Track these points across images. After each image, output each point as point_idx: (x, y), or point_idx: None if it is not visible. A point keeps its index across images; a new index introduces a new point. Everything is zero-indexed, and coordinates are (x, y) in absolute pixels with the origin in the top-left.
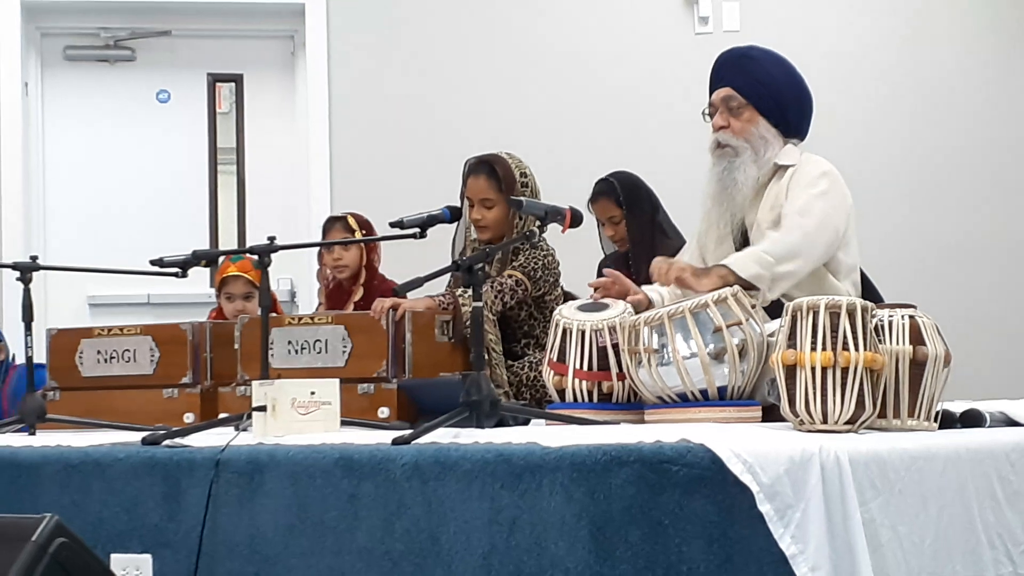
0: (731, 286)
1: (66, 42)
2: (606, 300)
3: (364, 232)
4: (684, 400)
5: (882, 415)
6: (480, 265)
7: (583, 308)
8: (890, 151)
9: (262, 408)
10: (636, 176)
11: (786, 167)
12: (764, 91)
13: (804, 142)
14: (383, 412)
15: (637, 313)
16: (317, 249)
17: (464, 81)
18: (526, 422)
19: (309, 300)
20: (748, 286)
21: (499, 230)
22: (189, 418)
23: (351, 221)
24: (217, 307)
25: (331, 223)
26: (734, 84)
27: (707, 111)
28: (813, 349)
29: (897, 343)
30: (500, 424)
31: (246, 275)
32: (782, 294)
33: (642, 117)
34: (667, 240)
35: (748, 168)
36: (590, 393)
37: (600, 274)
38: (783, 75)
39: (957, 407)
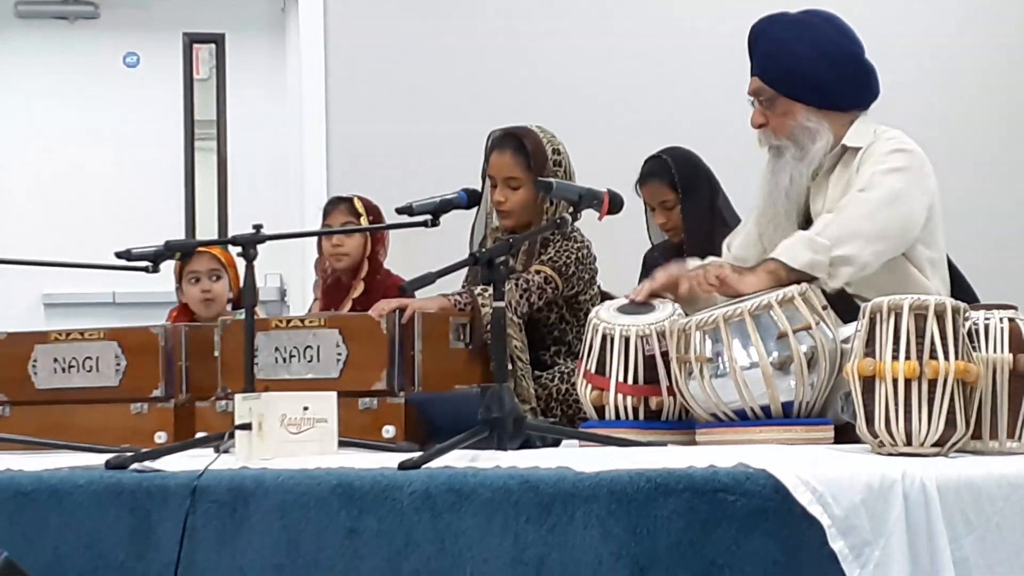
0: (783, 283)
1: None
2: (651, 299)
3: (371, 219)
4: (743, 418)
5: (976, 436)
6: (503, 258)
7: (624, 310)
8: (983, 127)
9: (246, 426)
10: (693, 153)
11: (856, 149)
12: (790, 76)
13: (874, 110)
14: (388, 431)
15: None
16: (321, 235)
17: (486, 42)
18: (556, 443)
19: (302, 300)
20: (804, 279)
21: (524, 216)
22: (161, 438)
23: (357, 204)
24: (178, 306)
25: (333, 205)
26: (760, 73)
27: (751, 100)
28: (895, 358)
29: (995, 351)
30: (526, 446)
31: (209, 250)
32: (856, 293)
33: (695, 83)
34: (726, 229)
35: (793, 168)
36: (635, 410)
37: (645, 266)
38: (809, 47)
39: None
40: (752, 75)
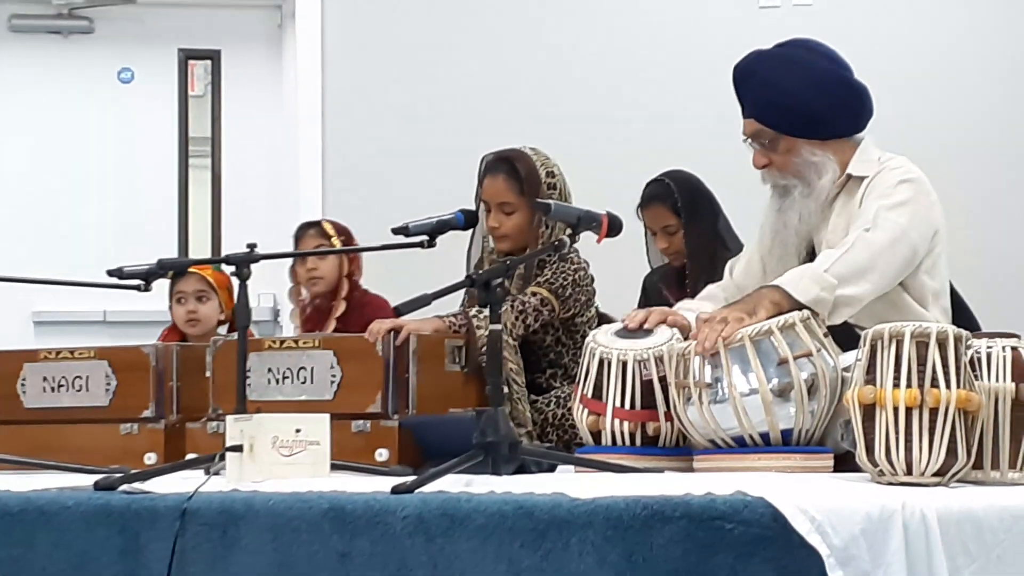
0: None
1: (11, 10)
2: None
3: (343, 239)
4: (741, 445)
5: (978, 466)
6: (499, 280)
7: (622, 334)
8: (987, 149)
9: (237, 448)
10: (694, 176)
11: (860, 178)
12: (788, 113)
13: (876, 134)
14: (381, 454)
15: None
16: (290, 263)
17: (484, 61)
18: (552, 468)
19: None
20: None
21: (520, 240)
22: (151, 459)
23: (327, 227)
24: (170, 324)
25: (303, 230)
26: (756, 114)
27: (745, 140)
28: (896, 386)
29: (997, 379)
30: (521, 471)
31: (200, 272)
32: (855, 323)
33: (695, 106)
34: (728, 253)
35: (802, 205)
36: (632, 435)
37: (644, 290)
38: (802, 82)
39: None
40: (746, 117)
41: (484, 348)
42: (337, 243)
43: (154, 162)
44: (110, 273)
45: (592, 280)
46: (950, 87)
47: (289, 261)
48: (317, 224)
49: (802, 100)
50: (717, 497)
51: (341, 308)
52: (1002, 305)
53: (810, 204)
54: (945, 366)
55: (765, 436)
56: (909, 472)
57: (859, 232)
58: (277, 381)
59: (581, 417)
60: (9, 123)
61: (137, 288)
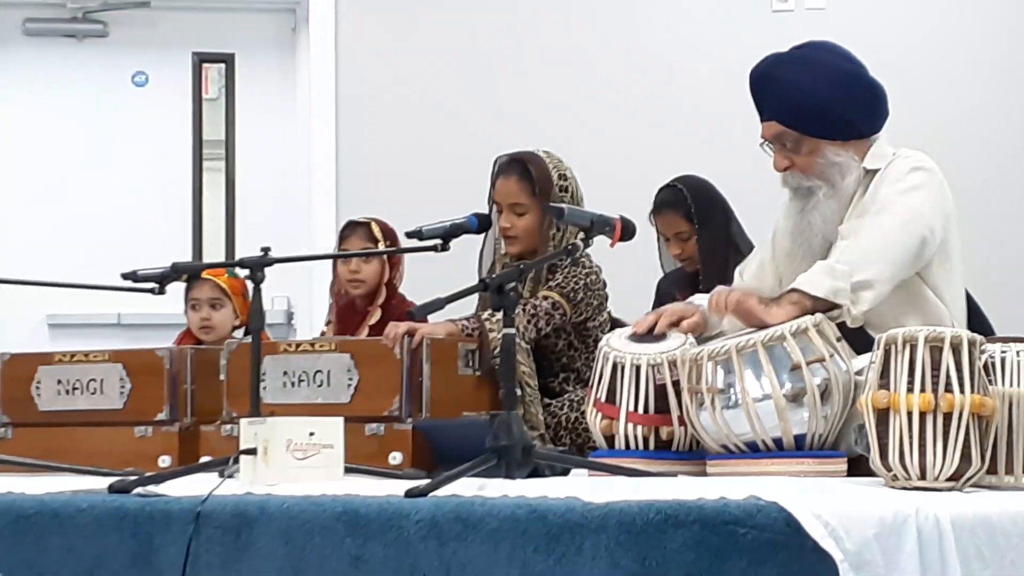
0: (808, 312)
1: (26, 14)
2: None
3: (388, 244)
4: (754, 450)
5: (992, 471)
6: (512, 284)
7: (635, 338)
8: (1001, 148)
9: (252, 451)
10: (707, 182)
11: (875, 171)
12: (811, 114)
13: (887, 136)
14: (395, 458)
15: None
16: (331, 259)
17: (497, 63)
18: (565, 472)
19: (309, 323)
20: (829, 307)
21: (531, 242)
22: (165, 461)
23: (375, 229)
24: (186, 328)
25: (351, 229)
26: (778, 117)
27: (763, 144)
28: (910, 390)
29: (1011, 384)
30: (534, 474)
31: (215, 279)
32: (868, 326)
33: (709, 110)
34: (741, 257)
35: (825, 206)
36: (646, 440)
37: (658, 294)
38: (822, 82)
39: None
40: (765, 120)
41: (497, 352)
42: (383, 247)
43: (168, 165)
44: (124, 276)
45: (604, 284)
46: (963, 90)
47: (315, 263)
48: (366, 225)
49: (825, 101)
50: (730, 502)
51: (376, 316)
52: (1017, 310)
53: (833, 204)
54: (959, 370)
55: (778, 441)
56: (923, 477)
57: (869, 218)
58: (292, 384)
59: (594, 421)
60: (23, 126)
61: (151, 291)
